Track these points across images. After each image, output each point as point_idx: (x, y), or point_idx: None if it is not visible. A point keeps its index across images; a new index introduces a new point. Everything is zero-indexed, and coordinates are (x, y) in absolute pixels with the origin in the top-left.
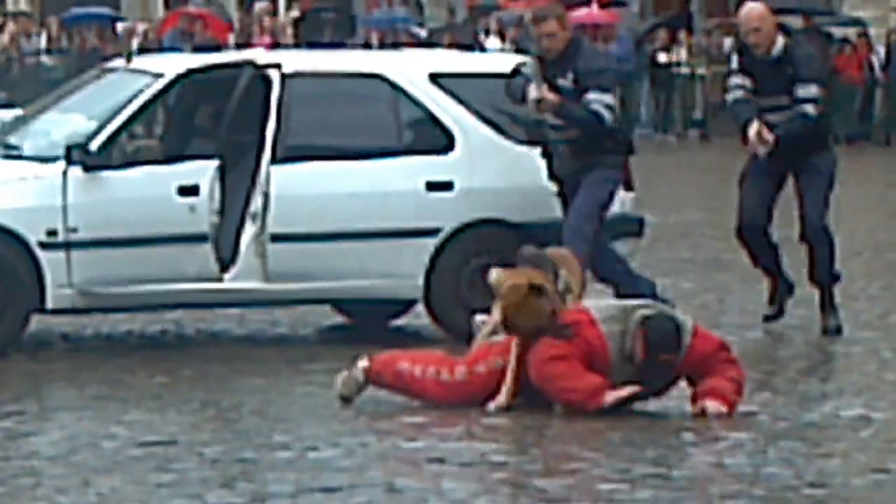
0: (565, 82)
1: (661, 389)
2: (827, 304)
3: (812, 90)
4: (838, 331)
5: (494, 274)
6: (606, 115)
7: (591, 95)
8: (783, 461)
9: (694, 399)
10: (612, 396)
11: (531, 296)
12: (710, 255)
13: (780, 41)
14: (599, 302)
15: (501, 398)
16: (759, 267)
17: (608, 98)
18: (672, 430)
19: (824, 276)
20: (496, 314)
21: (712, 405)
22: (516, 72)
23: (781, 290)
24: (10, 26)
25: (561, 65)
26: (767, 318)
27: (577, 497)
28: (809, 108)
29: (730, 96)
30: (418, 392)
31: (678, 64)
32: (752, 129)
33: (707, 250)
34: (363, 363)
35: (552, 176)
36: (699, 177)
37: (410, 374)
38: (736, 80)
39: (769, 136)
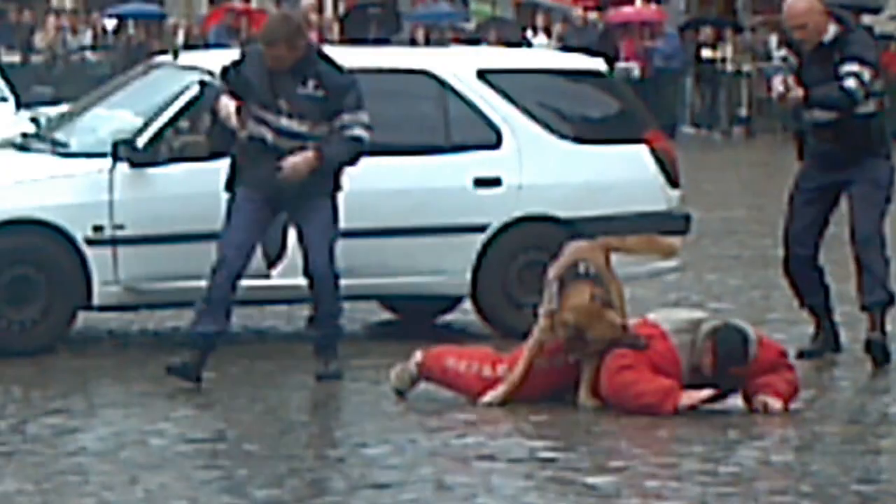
0: None
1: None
2: (877, 328)
3: (854, 66)
4: (887, 358)
5: (571, 315)
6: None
7: None
8: (830, 457)
9: (747, 395)
10: (687, 399)
11: (603, 309)
12: (756, 251)
13: (832, 29)
14: (669, 314)
15: (496, 393)
16: (805, 306)
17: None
18: (719, 426)
19: (874, 302)
20: (539, 332)
21: (772, 401)
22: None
23: (827, 335)
24: (54, 21)
25: None
26: (802, 355)
27: (626, 493)
28: (850, 83)
29: (771, 67)
30: (462, 388)
31: (723, 60)
32: (778, 78)
33: (753, 247)
34: (417, 357)
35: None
36: (744, 173)
37: (455, 369)
38: (781, 53)
39: (798, 91)
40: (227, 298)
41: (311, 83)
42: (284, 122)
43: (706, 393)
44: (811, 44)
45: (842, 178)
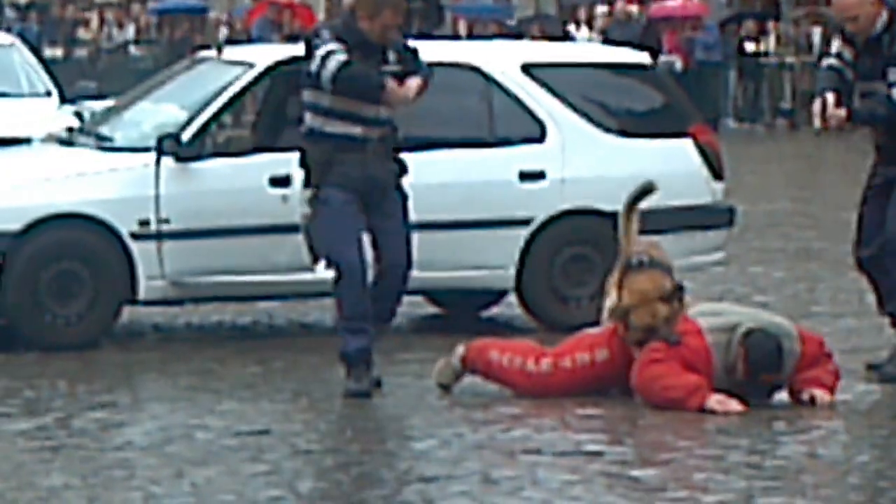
0: None
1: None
2: None
3: None
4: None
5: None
6: None
7: None
8: (878, 451)
9: (792, 389)
10: (717, 403)
11: (655, 300)
12: (800, 244)
13: (884, 17)
14: (710, 310)
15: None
16: (885, 312)
17: None
18: (764, 419)
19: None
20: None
21: (820, 393)
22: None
23: None
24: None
25: None
26: (871, 367)
27: (672, 486)
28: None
29: (824, 61)
30: (505, 381)
31: (766, 53)
32: (817, 101)
33: (797, 239)
34: (460, 351)
35: None
36: (788, 166)
37: (499, 363)
38: (836, 45)
39: (837, 112)
40: (368, 308)
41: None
42: (372, 111)
43: (736, 407)
44: (863, 35)
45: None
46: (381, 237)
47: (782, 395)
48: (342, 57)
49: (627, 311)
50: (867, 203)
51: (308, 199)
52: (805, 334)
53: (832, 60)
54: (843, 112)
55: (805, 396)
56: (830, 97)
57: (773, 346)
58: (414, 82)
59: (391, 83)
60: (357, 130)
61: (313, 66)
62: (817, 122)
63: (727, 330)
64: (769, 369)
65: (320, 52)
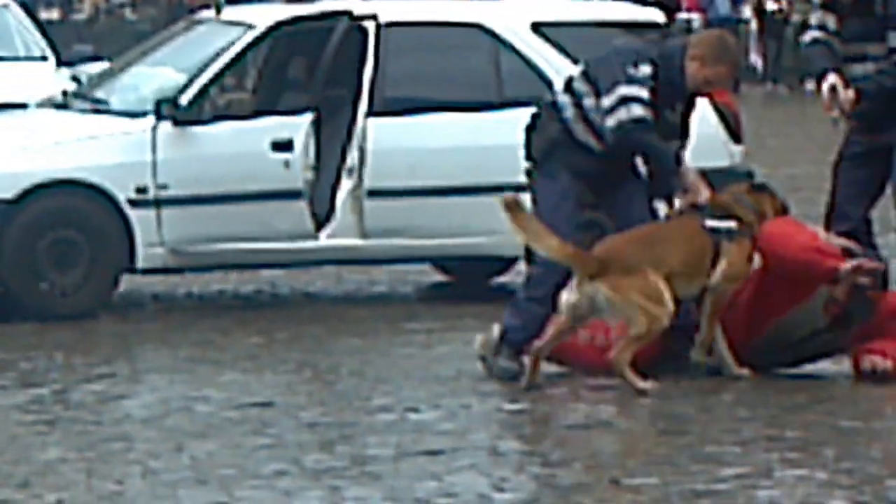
0: None
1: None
2: None
3: None
4: None
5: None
6: None
7: None
8: None
9: (856, 357)
10: (853, 263)
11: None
12: (824, 209)
13: None
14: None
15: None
16: None
17: None
18: (785, 390)
19: None
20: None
21: (880, 361)
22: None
23: None
24: None
25: None
26: None
27: (686, 460)
28: None
29: (806, 36)
30: (571, 357)
31: (789, 10)
32: (826, 84)
33: (820, 204)
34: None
35: None
36: (811, 129)
37: (564, 342)
38: (816, 16)
39: (847, 95)
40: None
41: None
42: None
43: (874, 263)
44: None
45: (885, 141)
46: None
47: (841, 365)
48: (648, 114)
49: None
50: (843, 175)
51: None
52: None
53: (817, 33)
54: (851, 94)
55: (866, 364)
56: (836, 80)
57: (880, 266)
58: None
59: (692, 175)
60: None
61: (610, 97)
62: (834, 113)
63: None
64: (875, 287)
65: (625, 91)
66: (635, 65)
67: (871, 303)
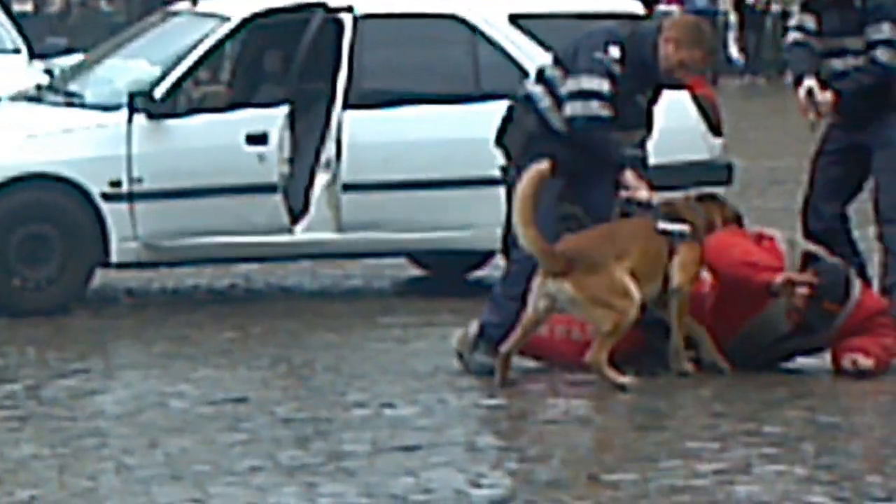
0: None
1: (817, 349)
2: None
3: (884, 30)
4: None
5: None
6: None
7: None
8: (880, 416)
9: (835, 355)
10: (784, 276)
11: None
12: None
13: None
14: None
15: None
16: None
17: None
18: (763, 385)
19: (894, 283)
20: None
21: (862, 359)
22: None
23: None
24: None
25: None
26: None
27: (665, 455)
28: (881, 53)
29: (788, 37)
30: (548, 352)
31: (768, 2)
32: (803, 88)
33: (800, 198)
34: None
35: None
36: (791, 121)
37: (539, 336)
38: (796, 17)
39: (824, 97)
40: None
41: None
42: None
43: (806, 278)
44: None
45: (863, 139)
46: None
47: (822, 359)
48: (604, 112)
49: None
50: (820, 171)
51: None
52: (867, 288)
53: (796, 35)
54: (829, 96)
55: (847, 362)
56: (813, 83)
57: (843, 276)
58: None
59: (629, 174)
60: None
61: (571, 83)
62: (810, 115)
63: (791, 246)
64: (834, 298)
65: (586, 83)
66: (605, 47)
67: (827, 313)
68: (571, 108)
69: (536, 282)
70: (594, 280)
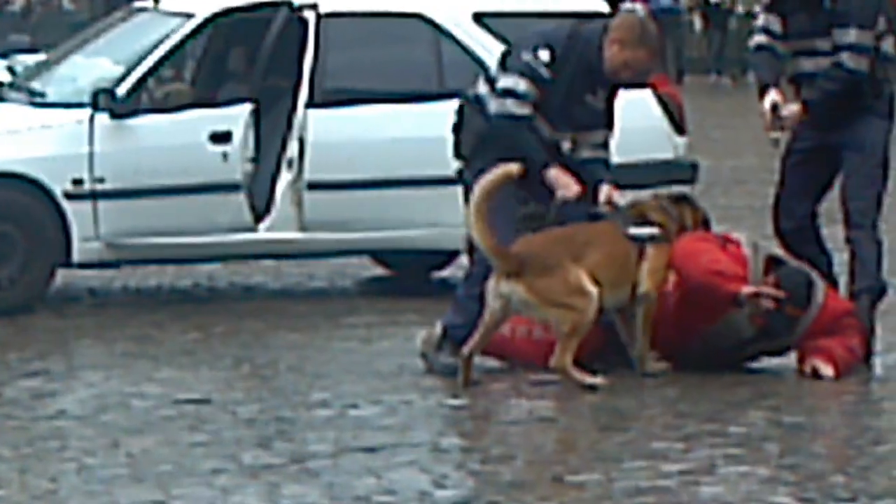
0: None
1: (781, 350)
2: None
3: (851, 34)
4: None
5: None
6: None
7: None
8: (845, 417)
9: (802, 357)
10: (751, 289)
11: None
12: (768, 201)
13: None
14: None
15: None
16: None
17: None
18: (728, 385)
19: (862, 289)
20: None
21: (823, 366)
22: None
23: None
24: None
25: None
26: None
27: (630, 456)
28: (847, 58)
29: (753, 41)
30: (509, 352)
31: (733, 2)
32: (767, 102)
33: (764, 196)
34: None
35: None
36: (755, 120)
37: (502, 334)
38: (761, 20)
39: (790, 111)
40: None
41: None
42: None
43: (771, 291)
44: None
45: (834, 139)
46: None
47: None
48: (519, 110)
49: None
50: (791, 170)
51: None
52: (832, 291)
53: (762, 38)
54: (794, 108)
55: (807, 367)
56: (778, 98)
57: (805, 280)
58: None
59: (555, 171)
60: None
61: (503, 80)
62: (775, 133)
63: (754, 250)
64: (797, 303)
65: (505, 82)
66: (535, 51)
67: (791, 318)
68: (492, 107)
69: (491, 282)
70: (547, 282)
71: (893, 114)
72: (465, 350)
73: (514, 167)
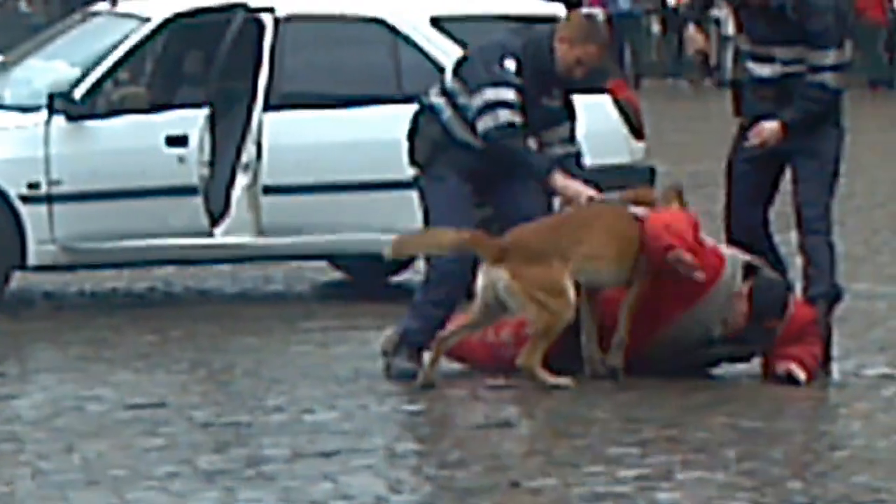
0: None
1: (747, 356)
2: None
3: (830, 56)
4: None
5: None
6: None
7: None
8: (802, 422)
9: (769, 362)
10: (687, 257)
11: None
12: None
13: None
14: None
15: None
16: None
17: None
18: (685, 390)
19: (819, 294)
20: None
21: (798, 370)
22: None
23: None
24: None
25: None
26: None
27: (586, 461)
28: (830, 79)
29: (743, 68)
30: (462, 354)
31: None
32: (760, 132)
33: (722, 200)
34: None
35: None
36: (714, 125)
37: (463, 339)
38: (731, 29)
39: (775, 130)
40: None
41: None
42: None
43: (696, 269)
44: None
45: (784, 146)
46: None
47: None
48: (515, 119)
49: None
50: (741, 179)
51: None
52: (797, 299)
53: (731, 35)
54: (776, 126)
55: (780, 370)
56: (775, 125)
57: (783, 292)
58: (585, 190)
59: (559, 176)
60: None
61: (476, 99)
62: (754, 140)
63: (735, 262)
64: (774, 315)
65: (491, 95)
66: (500, 61)
67: (766, 330)
68: (482, 124)
69: (481, 270)
70: (532, 271)
71: (843, 122)
72: (438, 339)
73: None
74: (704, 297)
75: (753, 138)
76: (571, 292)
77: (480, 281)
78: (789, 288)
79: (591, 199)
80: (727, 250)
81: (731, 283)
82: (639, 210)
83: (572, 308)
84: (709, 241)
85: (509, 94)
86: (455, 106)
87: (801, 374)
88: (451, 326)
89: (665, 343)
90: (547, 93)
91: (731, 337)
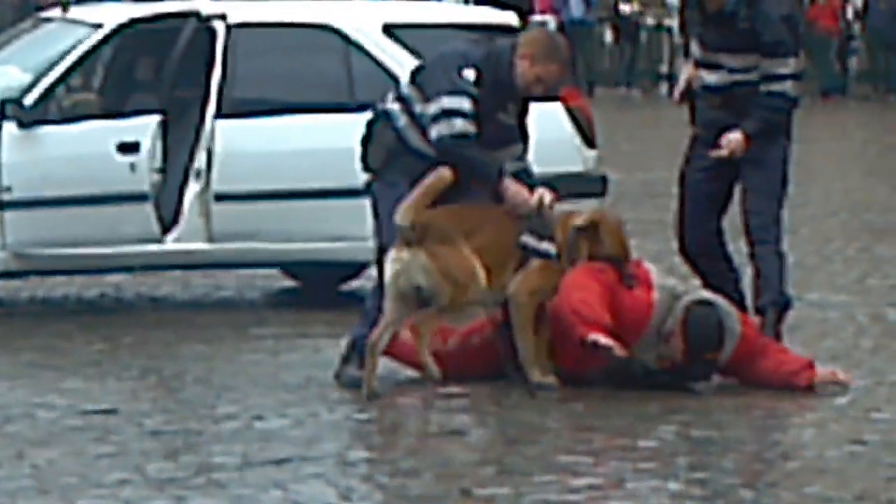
0: None
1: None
2: (771, 331)
3: (790, 65)
4: None
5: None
6: None
7: None
8: (754, 432)
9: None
10: (603, 340)
11: (621, 230)
12: None
13: None
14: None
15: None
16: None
17: None
18: (637, 399)
19: (767, 303)
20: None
21: (842, 375)
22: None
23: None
24: None
25: None
26: None
27: (538, 470)
28: (790, 88)
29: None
30: (414, 361)
31: (642, 14)
32: (728, 144)
33: (674, 210)
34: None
35: None
36: (665, 133)
37: (404, 341)
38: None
39: (739, 140)
40: None
41: None
42: None
43: (619, 351)
44: (714, 5)
45: (735, 156)
46: None
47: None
48: (469, 129)
49: (594, 224)
50: (693, 188)
51: None
52: (745, 317)
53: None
54: (740, 136)
55: (823, 378)
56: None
57: (715, 322)
58: (539, 194)
59: (509, 182)
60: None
61: (433, 106)
62: (722, 152)
63: (671, 296)
64: (711, 347)
65: (447, 103)
66: (460, 71)
67: (709, 363)
68: (436, 131)
69: (391, 255)
70: (445, 251)
71: (791, 131)
72: (369, 345)
73: (447, 173)
74: (636, 342)
75: (721, 150)
76: (480, 271)
77: (393, 263)
78: (722, 319)
79: (540, 206)
80: (657, 280)
81: (663, 318)
82: (535, 245)
83: (480, 286)
84: (635, 266)
85: (465, 104)
86: (411, 114)
87: (846, 377)
88: (375, 331)
89: (603, 375)
90: (503, 108)
91: (671, 369)
